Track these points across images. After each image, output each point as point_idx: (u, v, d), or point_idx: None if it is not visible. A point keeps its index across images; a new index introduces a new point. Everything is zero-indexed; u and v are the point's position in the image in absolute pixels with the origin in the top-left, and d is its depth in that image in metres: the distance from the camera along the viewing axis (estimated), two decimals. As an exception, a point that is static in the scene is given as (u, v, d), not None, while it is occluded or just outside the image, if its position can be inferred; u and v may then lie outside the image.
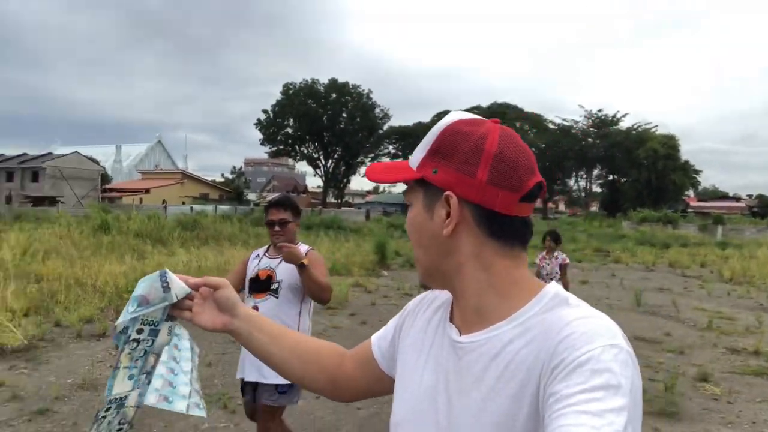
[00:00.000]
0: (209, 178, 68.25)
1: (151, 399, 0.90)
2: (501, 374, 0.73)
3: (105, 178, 55.76)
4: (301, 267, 2.65)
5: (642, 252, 19.88)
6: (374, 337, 1.03)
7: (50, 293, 7.99)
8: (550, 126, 65.28)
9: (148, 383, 0.90)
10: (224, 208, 37.93)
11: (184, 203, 43.56)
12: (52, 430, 3.93)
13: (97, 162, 55.52)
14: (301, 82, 60.37)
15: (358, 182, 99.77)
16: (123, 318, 0.88)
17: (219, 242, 17.47)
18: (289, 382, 2.67)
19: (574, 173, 67.54)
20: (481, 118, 0.82)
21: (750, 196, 75.18)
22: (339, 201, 66.84)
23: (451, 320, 0.86)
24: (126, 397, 0.90)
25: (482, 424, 0.73)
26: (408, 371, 0.89)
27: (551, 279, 6.15)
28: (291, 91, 59.87)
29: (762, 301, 10.90)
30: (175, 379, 0.92)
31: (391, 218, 36.88)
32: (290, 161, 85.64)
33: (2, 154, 55.99)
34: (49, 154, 54.70)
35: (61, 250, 12.24)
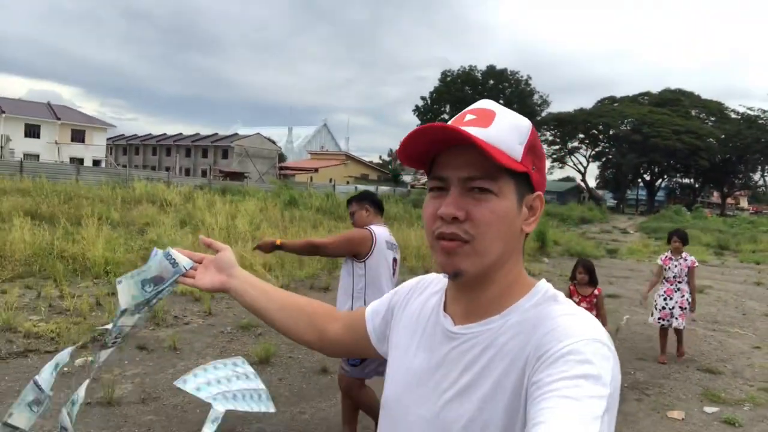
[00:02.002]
0: (367, 159, 72.22)
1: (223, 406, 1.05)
2: (488, 363, 0.77)
3: (281, 157, 61.89)
4: (279, 248, 3.27)
5: (835, 258, 18.04)
6: (369, 311, 1.07)
7: (276, 256, 10.12)
8: (732, 115, 59.10)
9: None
10: (384, 188, 40.68)
11: (348, 183, 47.12)
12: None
13: (273, 142, 61.79)
14: (458, 69, 61.32)
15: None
16: (142, 296, 1.03)
17: (386, 221, 19.32)
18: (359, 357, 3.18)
19: (759, 167, 60.58)
20: None
21: None
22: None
23: (445, 309, 0.88)
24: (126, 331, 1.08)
25: (467, 407, 0.77)
26: (400, 354, 0.92)
27: (679, 282, 5.83)
28: (449, 78, 61.10)
29: None
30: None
31: (548, 207, 36.69)
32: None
33: (198, 133, 64.61)
34: (236, 134, 62.06)
35: (270, 221, 14.79)
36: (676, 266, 5.85)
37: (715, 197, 72.02)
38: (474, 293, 0.84)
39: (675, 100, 59.61)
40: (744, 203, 79.96)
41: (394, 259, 3.53)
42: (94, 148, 48.27)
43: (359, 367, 3.29)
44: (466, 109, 0.85)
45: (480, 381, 0.77)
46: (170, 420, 3.77)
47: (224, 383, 1.04)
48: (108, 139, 57.32)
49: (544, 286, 0.83)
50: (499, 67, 60.70)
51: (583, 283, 4.72)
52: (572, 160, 63.00)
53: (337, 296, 3.48)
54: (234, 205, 17.42)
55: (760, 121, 55.64)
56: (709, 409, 4.54)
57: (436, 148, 0.81)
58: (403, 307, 0.98)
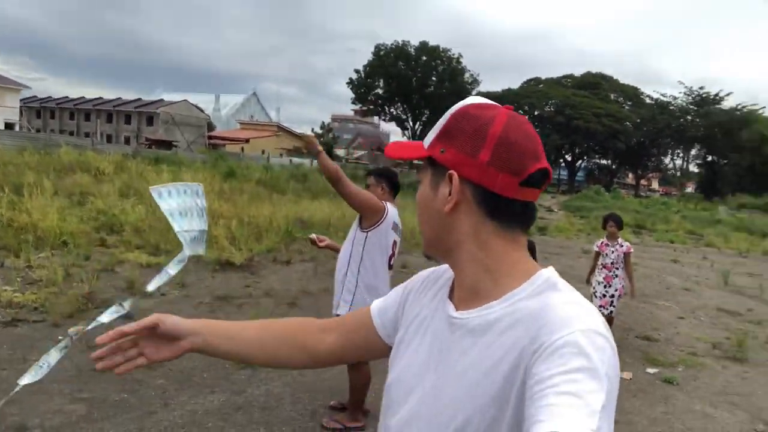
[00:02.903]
0: (299, 131, 71.02)
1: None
2: (484, 350, 0.78)
3: (209, 125, 59.92)
4: (318, 154, 3.22)
5: (737, 238, 19.83)
6: (375, 309, 1.05)
7: (230, 228, 10.15)
8: (647, 101, 63.14)
9: None
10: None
11: (281, 155, 46.46)
12: (307, 313, 5.89)
13: (201, 110, 59.67)
14: (392, 44, 61.39)
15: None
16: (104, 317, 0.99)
17: (327, 195, 19.33)
18: None
19: (669, 151, 65.34)
20: (495, 103, 0.85)
21: None
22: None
23: (451, 296, 0.91)
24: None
25: (460, 392, 0.79)
26: (407, 342, 0.94)
27: (616, 268, 5.84)
28: (382, 53, 61.06)
29: None
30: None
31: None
32: (375, 119, 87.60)
33: (120, 98, 61.24)
34: (161, 100, 59.42)
35: (216, 192, 14.61)
36: (613, 252, 5.83)
37: (630, 179, 76.95)
38: (456, 279, 0.89)
39: (595, 84, 62.75)
40: (655, 185, 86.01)
41: (395, 242, 3.63)
42: (6, 110, 44.80)
43: None
44: None
45: (473, 367, 0.78)
46: (180, 383, 4.00)
47: (188, 218, 1.13)
48: (20, 100, 53.33)
49: (545, 273, 0.82)
50: (432, 43, 61.26)
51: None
52: (500, 140, 65.01)
53: (337, 261, 3.62)
54: (172, 175, 16.99)
55: (671, 108, 59.86)
56: (650, 370, 5.29)
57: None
58: (416, 298, 0.98)
